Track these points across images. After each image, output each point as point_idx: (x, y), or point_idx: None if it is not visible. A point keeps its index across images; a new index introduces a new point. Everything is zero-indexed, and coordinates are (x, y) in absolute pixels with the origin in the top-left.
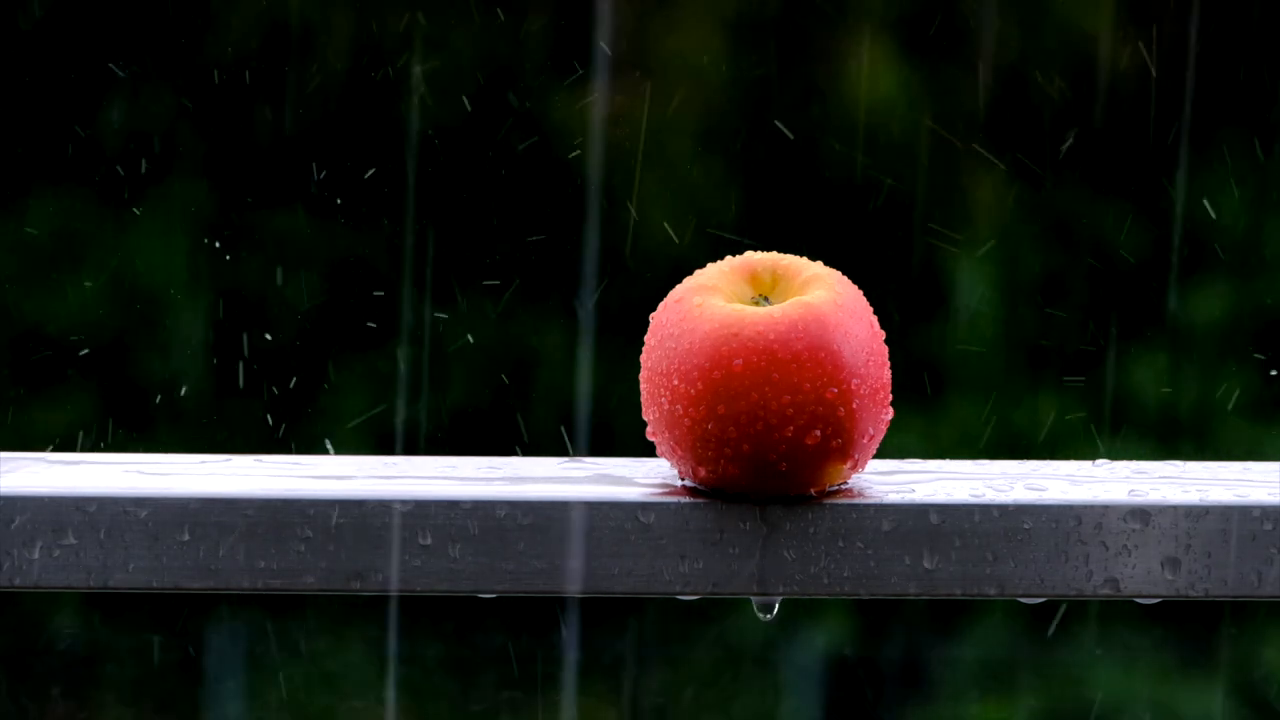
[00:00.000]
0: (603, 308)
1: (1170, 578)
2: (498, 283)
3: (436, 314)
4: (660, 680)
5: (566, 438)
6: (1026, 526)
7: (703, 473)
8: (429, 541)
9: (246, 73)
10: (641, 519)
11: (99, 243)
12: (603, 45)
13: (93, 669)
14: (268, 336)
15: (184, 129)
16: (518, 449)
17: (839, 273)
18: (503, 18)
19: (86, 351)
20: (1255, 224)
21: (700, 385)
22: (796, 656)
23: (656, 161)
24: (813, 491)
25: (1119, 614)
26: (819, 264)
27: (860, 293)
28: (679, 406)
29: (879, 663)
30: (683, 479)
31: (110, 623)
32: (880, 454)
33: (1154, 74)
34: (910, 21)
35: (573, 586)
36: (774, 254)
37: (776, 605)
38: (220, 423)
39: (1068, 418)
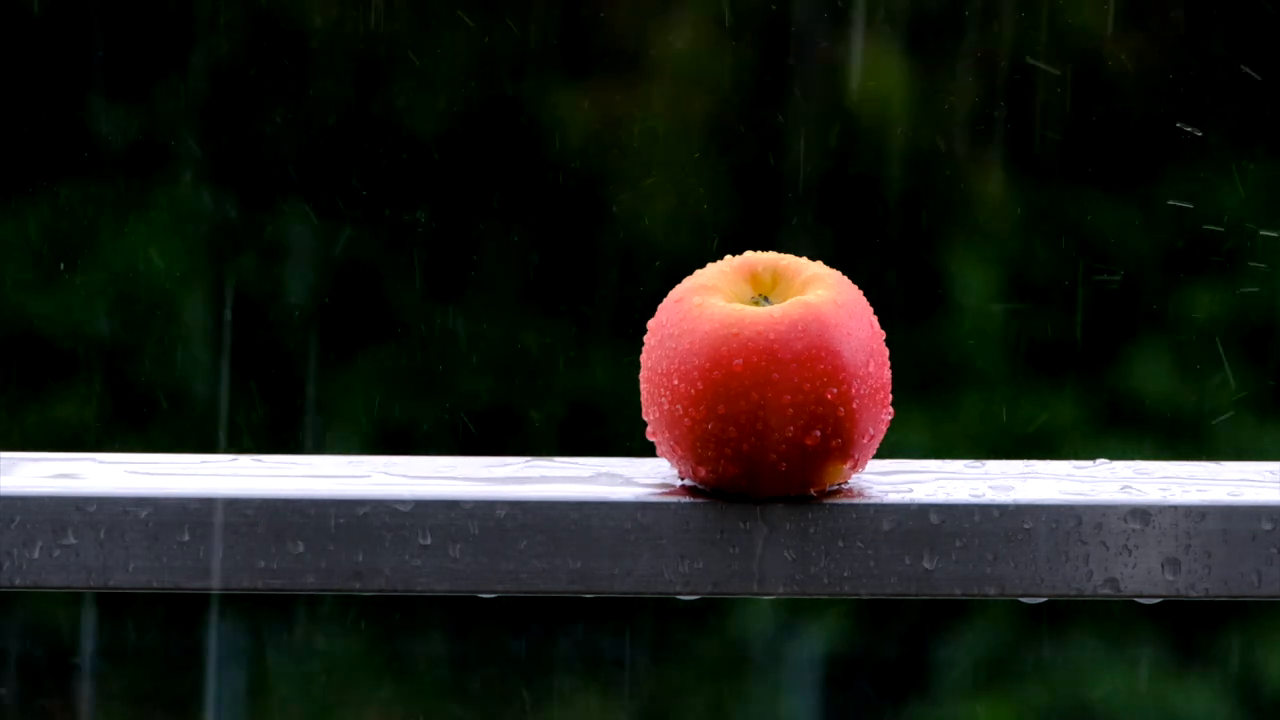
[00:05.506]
0: (602, 307)
1: (1170, 578)
2: (498, 282)
3: (436, 314)
4: (660, 680)
5: (566, 438)
6: (1026, 526)
7: (703, 473)
8: (429, 541)
9: (248, 72)
10: (641, 519)
11: (100, 242)
12: (603, 44)
13: (93, 669)
14: (268, 336)
15: (186, 129)
16: (518, 449)
17: (839, 273)
18: (502, 17)
19: (87, 351)
20: (1256, 223)
21: (700, 385)
22: (796, 656)
23: (656, 160)
24: (813, 491)
25: (1118, 614)
26: (819, 264)
27: (860, 293)
28: (679, 406)
29: (879, 663)
30: (683, 479)
31: (110, 623)
32: (880, 454)
33: (1155, 72)
34: (910, 19)
35: (573, 586)
36: (774, 254)
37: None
38: (221, 423)
39: (1067, 417)
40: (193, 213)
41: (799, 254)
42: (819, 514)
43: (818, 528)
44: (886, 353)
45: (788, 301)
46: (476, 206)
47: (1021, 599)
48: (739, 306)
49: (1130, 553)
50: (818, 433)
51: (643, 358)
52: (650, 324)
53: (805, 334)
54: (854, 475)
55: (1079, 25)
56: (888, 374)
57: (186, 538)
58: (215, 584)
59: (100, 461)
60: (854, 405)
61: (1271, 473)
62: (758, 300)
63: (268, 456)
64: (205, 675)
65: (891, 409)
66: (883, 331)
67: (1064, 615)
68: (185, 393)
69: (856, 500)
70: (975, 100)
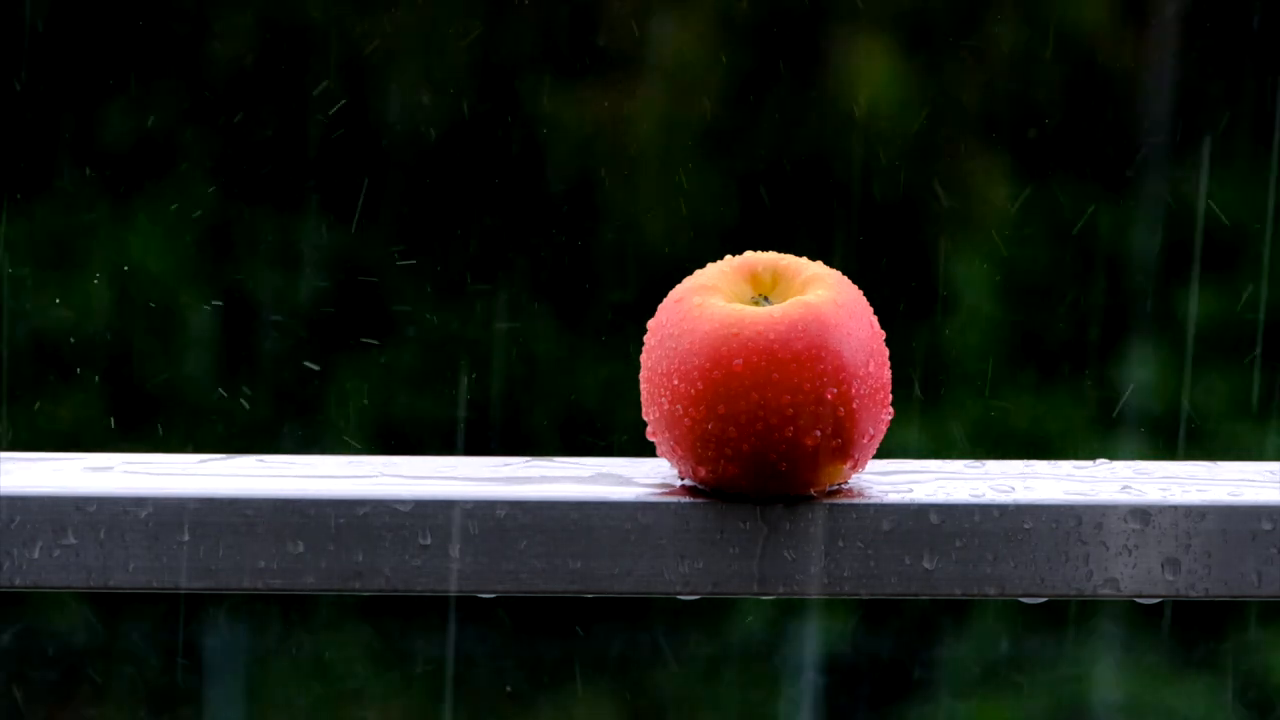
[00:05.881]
0: (602, 307)
1: (1170, 578)
2: (497, 282)
3: (436, 314)
4: (660, 680)
5: (566, 438)
6: (1026, 526)
7: (703, 473)
8: (429, 541)
9: (247, 72)
10: (641, 519)
11: (101, 242)
12: (601, 44)
13: (93, 669)
14: (268, 336)
15: (186, 129)
16: (518, 449)
17: (839, 273)
18: (501, 17)
19: (88, 351)
20: (1256, 222)
21: (700, 385)
22: (796, 656)
23: (655, 160)
24: (813, 491)
25: (1119, 614)
26: (819, 264)
27: (860, 293)
28: (679, 406)
29: (878, 662)
30: (683, 479)
31: (110, 623)
32: (880, 454)
33: (1155, 71)
34: (909, 18)
35: (573, 586)
36: (774, 254)
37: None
38: (221, 422)
39: (1068, 418)
40: (193, 213)
41: (798, 254)
42: (819, 514)
43: (818, 528)
44: (886, 353)
45: (788, 301)
46: (476, 206)
47: (1021, 599)
48: (739, 306)
49: (1130, 553)
50: (818, 433)
51: (643, 358)
52: (650, 324)
53: (805, 334)
54: (854, 475)
55: (1078, 23)
56: (888, 374)
57: (186, 538)
58: (215, 584)
59: (100, 461)
60: (854, 405)
61: (1271, 473)
62: (758, 300)
63: (268, 456)
64: (204, 675)
65: (891, 409)
66: (883, 331)
67: (1064, 615)
68: (185, 393)
69: (856, 500)
70: (974, 99)
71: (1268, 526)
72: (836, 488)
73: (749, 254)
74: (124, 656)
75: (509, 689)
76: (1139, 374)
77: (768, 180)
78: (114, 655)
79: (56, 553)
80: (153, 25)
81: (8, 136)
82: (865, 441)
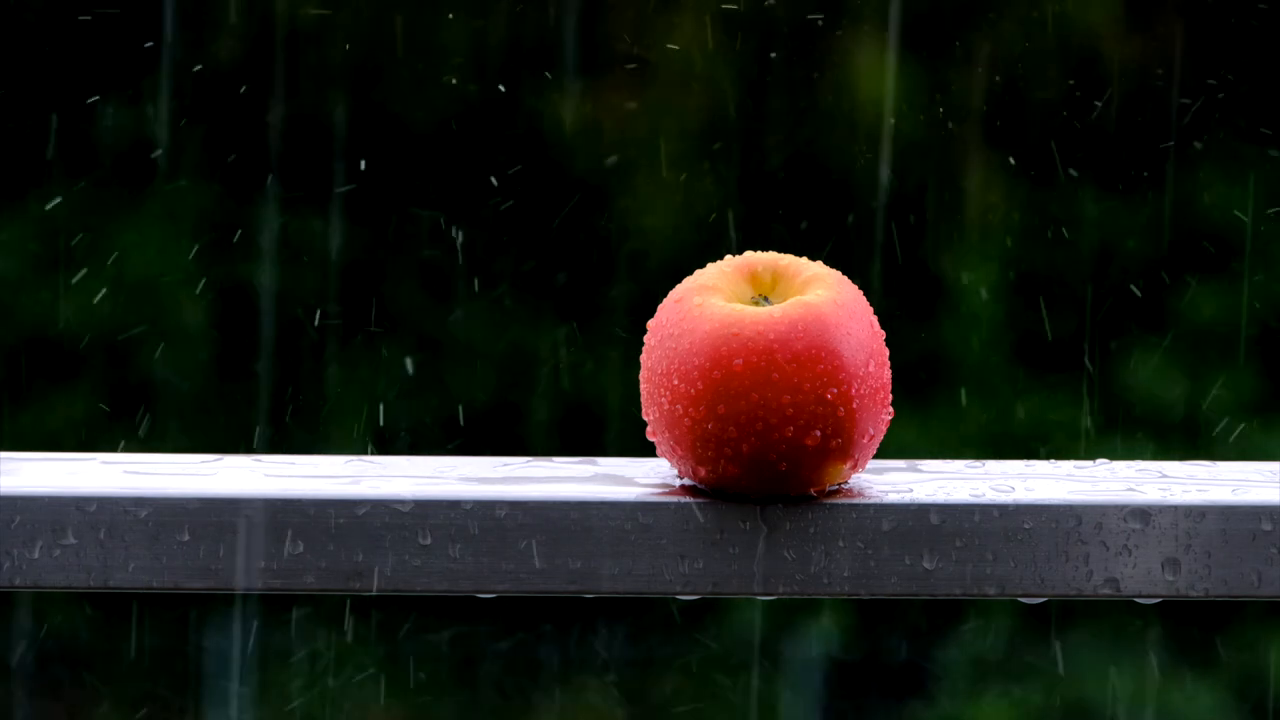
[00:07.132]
0: (602, 307)
1: (1170, 578)
2: (497, 282)
3: (436, 313)
4: (660, 680)
5: (566, 438)
6: (1026, 526)
7: (703, 473)
8: (429, 541)
9: (246, 70)
10: (641, 519)
11: (100, 242)
12: (602, 43)
13: (93, 669)
14: (268, 336)
15: (185, 128)
16: (518, 449)
17: (839, 273)
18: (502, 15)
19: (87, 351)
20: (1256, 222)
21: (700, 385)
22: (796, 656)
23: (656, 160)
24: (813, 491)
25: (1119, 614)
26: (819, 264)
27: (860, 293)
28: (679, 406)
29: (878, 662)
30: (683, 479)
31: (110, 622)
32: (880, 454)
33: (1155, 70)
34: (910, 18)
35: (572, 586)
36: (774, 254)
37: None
38: (220, 422)
39: (1067, 417)
40: (192, 212)
41: (799, 253)
42: (819, 514)
43: (818, 528)
44: (886, 353)
45: (788, 301)
46: (476, 206)
47: (1021, 599)
48: (739, 306)
49: (1130, 553)
50: (818, 433)
51: (643, 358)
52: (650, 324)
53: (805, 334)
54: (854, 475)
55: (1079, 23)
56: (888, 374)
57: (186, 538)
58: (215, 584)
59: (100, 461)
60: (854, 405)
61: (1271, 473)
62: (758, 300)
63: (268, 456)
64: (203, 675)
65: (891, 409)
66: (883, 331)
67: (1064, 615)
68: (185, 393)
69: (856, 500)
70: (975, 99)
71: (1268, 526)
72: (836, 488)
73: (749, 254)
74: (124, 656)
75: (509, 689)
76: (1140, 373)
77: (769, 179)
78: (114, 655)
79: (56, 553)
80: (150, 21)
81: (5, 137)
82: (865, 441)
